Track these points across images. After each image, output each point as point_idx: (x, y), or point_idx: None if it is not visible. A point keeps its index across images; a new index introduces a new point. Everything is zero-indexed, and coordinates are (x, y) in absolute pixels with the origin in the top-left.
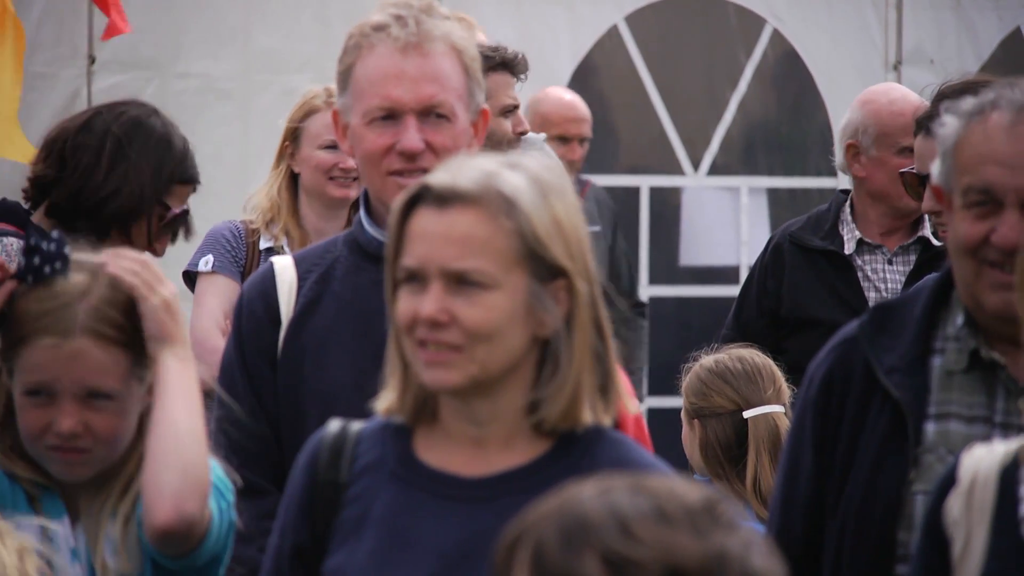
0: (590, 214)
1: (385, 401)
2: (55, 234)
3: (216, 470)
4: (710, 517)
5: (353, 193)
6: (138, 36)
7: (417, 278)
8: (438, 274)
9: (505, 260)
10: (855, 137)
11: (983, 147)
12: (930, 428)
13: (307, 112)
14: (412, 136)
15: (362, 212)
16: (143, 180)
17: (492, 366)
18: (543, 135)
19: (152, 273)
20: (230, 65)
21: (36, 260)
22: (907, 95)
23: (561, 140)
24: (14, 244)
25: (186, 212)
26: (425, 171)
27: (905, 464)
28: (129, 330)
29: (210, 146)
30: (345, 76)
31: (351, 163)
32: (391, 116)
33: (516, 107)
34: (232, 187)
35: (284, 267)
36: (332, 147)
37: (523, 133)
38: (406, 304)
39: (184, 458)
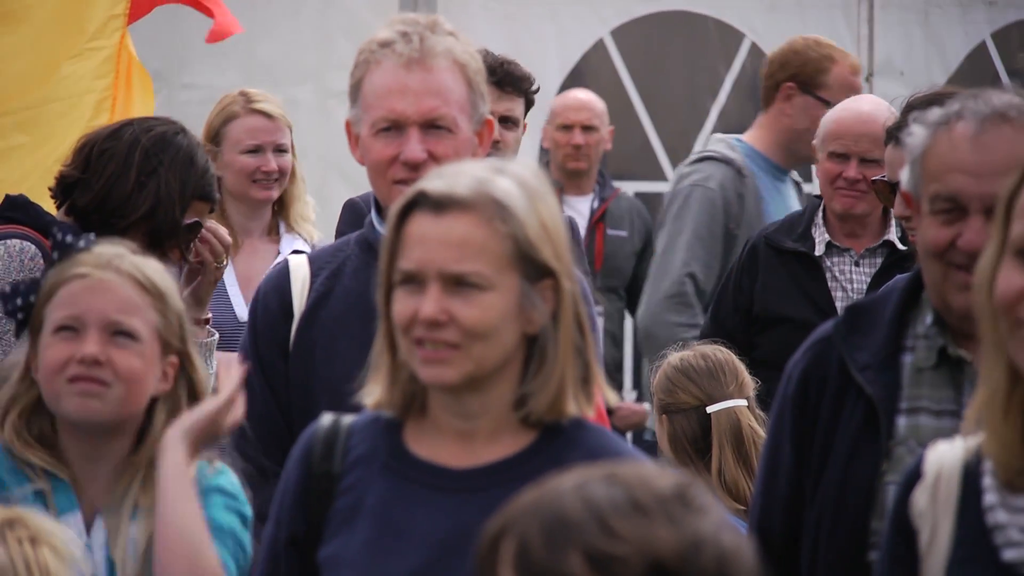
0: (617, 220)
1: (373, 396)
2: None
3: (235, 486)
4: (682, 503)
5: (274, 194)
6: (145, 49)
7: (415, 280)
8: (437, 276)
9: (499, 262)
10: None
11: (949, 156)
12: (901, 422)
13: (226, 118)
14: (414, 147)
15: (373, 213)
16: (173, 198)
17: (486, 363)
18: None
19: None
20: (233, 76)
21: (58, 237)
22: (857, 103)
23: (564, 129)
24: (17, 246)
25: (198, 224)
26: None
27: (878, 456)
28: (160, 289)
29: None
30: (355, 89)
31: (273, 166)
32: (395, 128)
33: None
34: None
35: (298, 264)
36: (253, 151)
37: None
38: (404, 304)
39: (192, 547)
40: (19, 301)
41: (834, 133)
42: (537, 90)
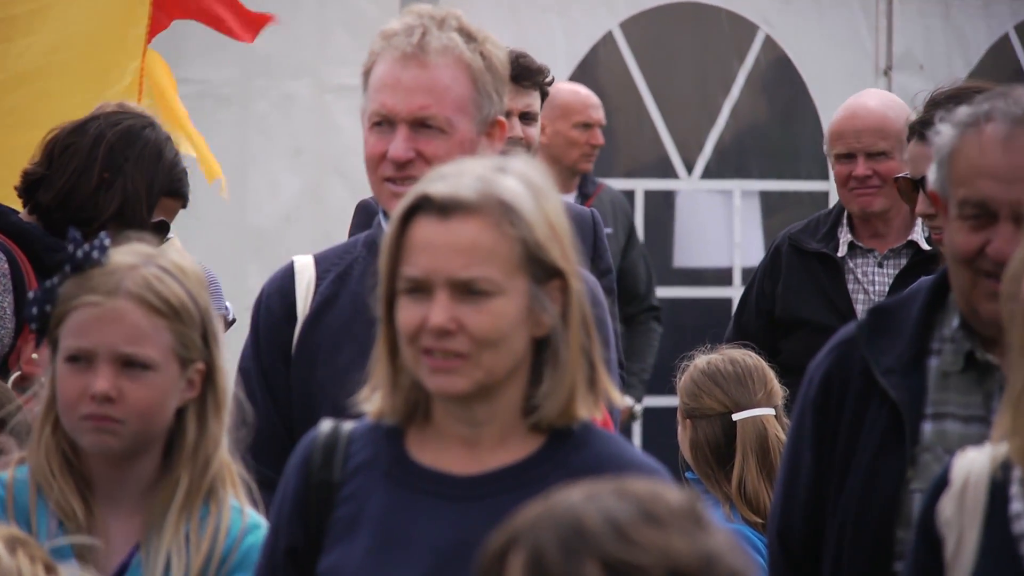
0: (603, 216)
1: (374, 405)
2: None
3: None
4: (693, 519)
5: None
6: None
7: (422, 288)
8: (445, 284)
9: (508, 266)
10: None
11: (978, 160)
12: (927, 428)
13: None
14: (398, 145)
15: (381, 215)
16: (140, 196)
17: (497, 370)
18: None
19: None
20: (229, 71)
21: (71, 249)
22: (857, 99)
23: (585, 127)
24: None
25: (165, 223)
26: (415, 179)
27: (903, 463)
28: (175, 307)
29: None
30: (365, 80)
31: None
32: (387, 123)
33: None
34: (230, 190)
35: (304, 266)
36: None
37: None
38: (410, 313)
39: None
40: (34, 311)
41: (835, 135)
42: (551, 81)
